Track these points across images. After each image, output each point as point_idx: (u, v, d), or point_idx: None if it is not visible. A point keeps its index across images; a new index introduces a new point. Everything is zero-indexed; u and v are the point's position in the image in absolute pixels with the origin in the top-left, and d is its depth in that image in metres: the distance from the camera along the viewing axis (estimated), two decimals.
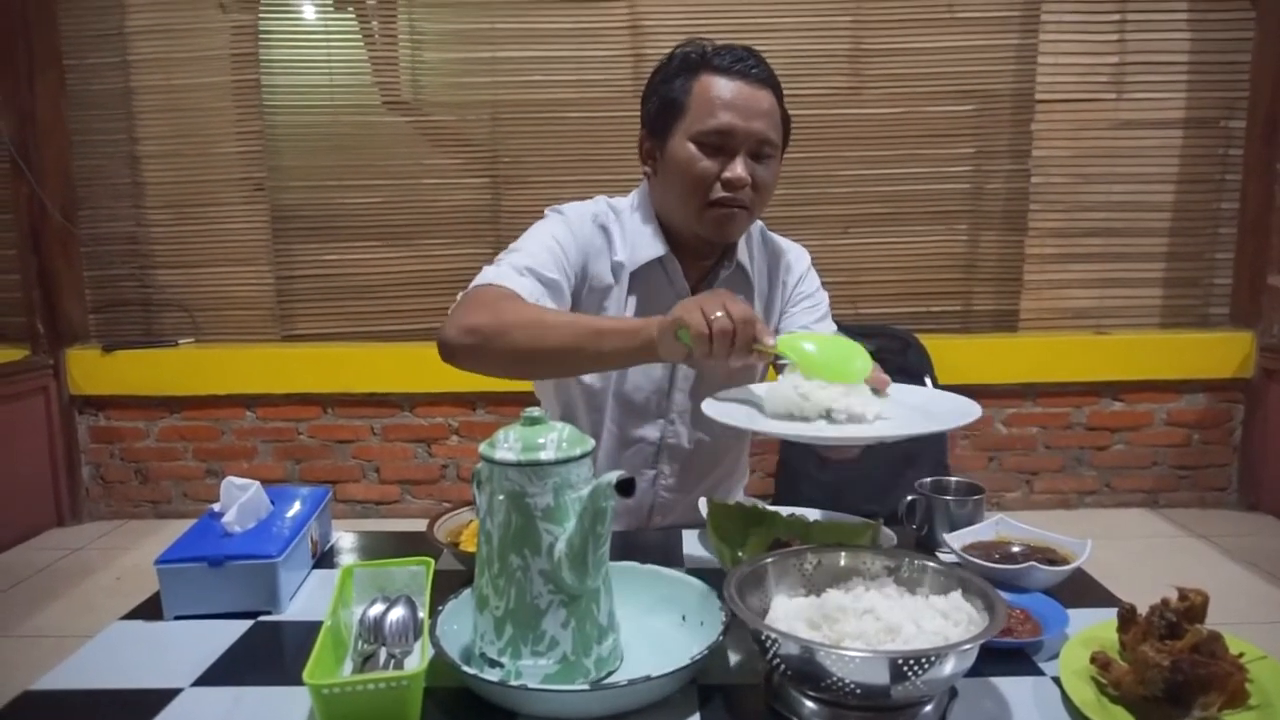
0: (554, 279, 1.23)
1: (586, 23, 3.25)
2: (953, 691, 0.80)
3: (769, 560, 0.89)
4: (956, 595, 0.81)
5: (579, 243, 1.29)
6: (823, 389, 0.96)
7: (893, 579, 0.87)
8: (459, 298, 1.20)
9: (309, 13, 3.30)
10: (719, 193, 1.22)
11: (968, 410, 0.95)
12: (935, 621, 0.78)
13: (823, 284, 1.48)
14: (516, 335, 1.10)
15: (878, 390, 1.02)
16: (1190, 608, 0.83)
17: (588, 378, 1.33)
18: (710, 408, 0.99)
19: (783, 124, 1.27)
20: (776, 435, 0.97)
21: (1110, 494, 3.39)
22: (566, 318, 1.16)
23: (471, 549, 1.06)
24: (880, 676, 0.70)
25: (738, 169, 1.20)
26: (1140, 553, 2.94)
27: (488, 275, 1.20)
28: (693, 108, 1.22)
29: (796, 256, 1.46)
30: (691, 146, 1.22)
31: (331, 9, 3.31)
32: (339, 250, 3.39)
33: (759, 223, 1.42)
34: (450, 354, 1.14)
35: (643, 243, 1.31)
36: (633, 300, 1.32)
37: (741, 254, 1.36)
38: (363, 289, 3.41)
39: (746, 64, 1.22)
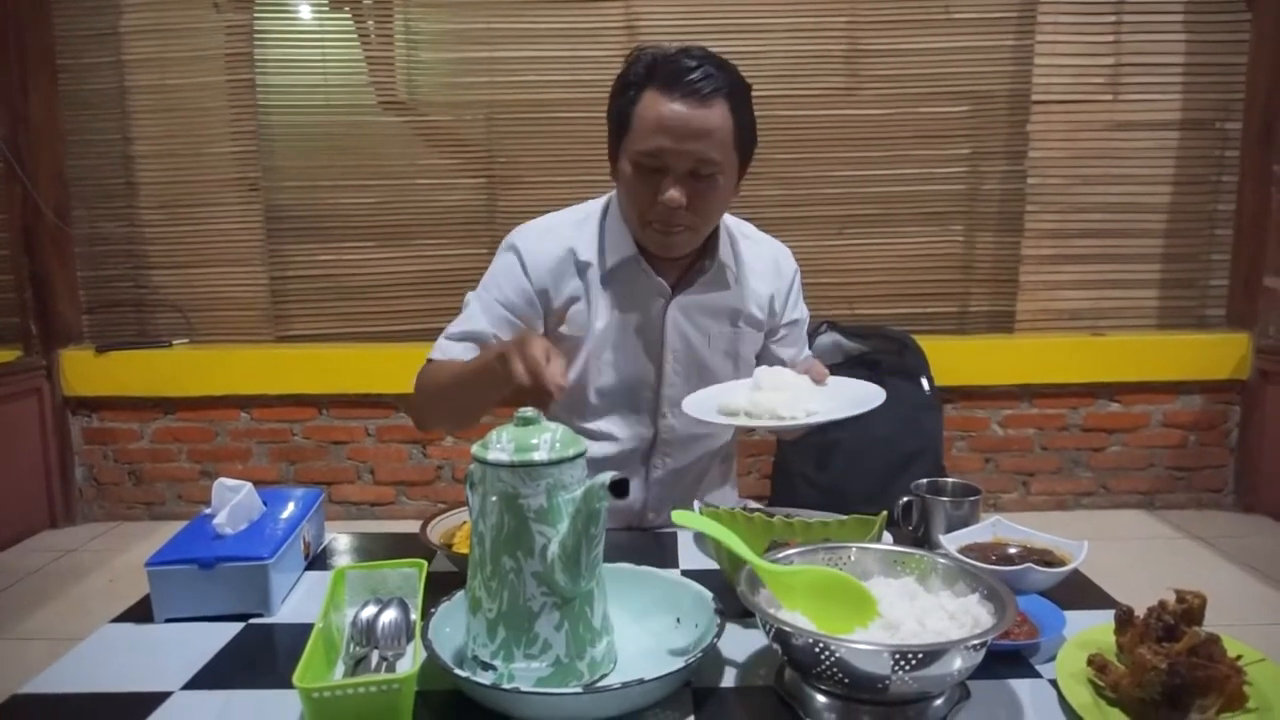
0: (490, 332, 1.31)
1: (582, 23, 3.24)
2: (965, 691, 0.80)
3: (802, 550, 0.90)
4: (972, 599, 0.82)
5: (533, 271, 1.31)
6: (775, 392, 1.13)
7: (915, 577, 0.88)
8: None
9: (304, 12, 3.29)
10: (655, 214, 1.22)
11: (874, 396, 1.12)
12: (941, 623, 0.79)
13: (818, 284, 1.48)
14: (430, 409, 1.33)
15: (817, 380, 1.18)
16: (1188, 610, 0.83)
17: (570, 374, 1.33)
18: (687, 404, 1.16)
19: (743, 131, 1.22)
20: (732, 425, 1.16)
21: (1107, 495, 3.39)
22: (444, 377, 1.27)
23: (465, 551, 1.05)
24: (866, 667, 0.72)
25: (669, 192, 1.19)
26: (1137, 554, 2.94)
27: (432, 351, 1.34)
28: (634, 127, 1.22)
29: (785, 263, 1.45)
30: (629, 167, 1.23)
31: (327, 8, 3.30)
32: (334, 251, 3.38)
33: (741, 223, 1.41)
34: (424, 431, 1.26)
35: (617, 242, 1.32)
36: (608, 296, 1.32)
37: (724, 253, 1.35)
38: (358, 290, 3.41)
39: (691, 78, 1.16)
